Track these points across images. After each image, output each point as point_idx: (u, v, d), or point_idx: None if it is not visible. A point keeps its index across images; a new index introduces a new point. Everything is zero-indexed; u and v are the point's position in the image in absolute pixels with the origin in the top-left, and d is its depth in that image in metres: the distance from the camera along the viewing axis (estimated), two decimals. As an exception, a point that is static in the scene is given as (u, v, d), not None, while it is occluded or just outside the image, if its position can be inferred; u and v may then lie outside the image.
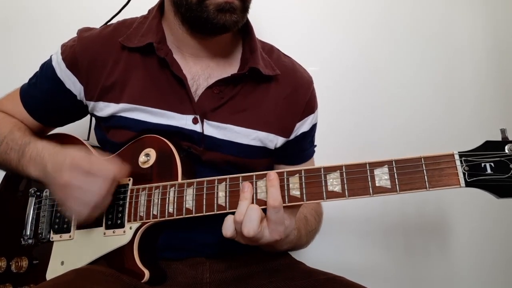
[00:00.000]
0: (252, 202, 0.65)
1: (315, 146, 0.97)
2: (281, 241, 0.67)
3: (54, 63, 0.84)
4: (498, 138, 0.60)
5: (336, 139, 1.23)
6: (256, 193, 0.67)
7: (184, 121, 0.79)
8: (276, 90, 0.85)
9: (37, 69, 0.89)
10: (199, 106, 0.79)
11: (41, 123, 0.90)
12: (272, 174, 0.65)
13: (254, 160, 0.84)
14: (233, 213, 0.68)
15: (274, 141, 0.84)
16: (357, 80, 1.28)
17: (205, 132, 0.79)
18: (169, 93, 0.80)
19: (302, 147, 0.93)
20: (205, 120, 0.79)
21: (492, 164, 0.58)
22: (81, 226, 0.77)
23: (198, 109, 0.79)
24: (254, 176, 0.68)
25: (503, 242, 1.26)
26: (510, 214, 1.23)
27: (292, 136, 0.88)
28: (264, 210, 0.65)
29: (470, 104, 1.29)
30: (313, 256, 1.05)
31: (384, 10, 1.31)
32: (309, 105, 0.89)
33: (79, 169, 0.68)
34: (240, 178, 0.69)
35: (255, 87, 0.84)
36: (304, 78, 0.90)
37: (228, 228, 0.65)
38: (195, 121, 0.79)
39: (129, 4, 0.99)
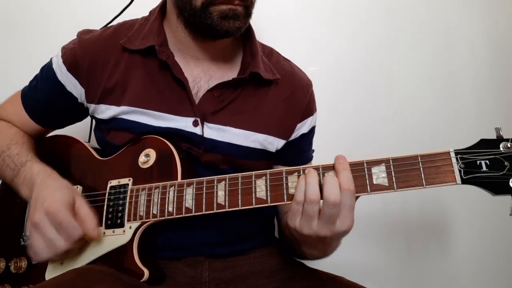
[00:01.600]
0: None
1: (313, 151, 0.98)
2: (343, 234, 0.64)
3: (54, 66, 0.85)
4: (493, 136, 0.61)
5: (334, 137, 1.24)
6: (255, 192, 0.68)
7: (184, 123, 0.79)
8: (276, 93, 0.86)
9: (38, 71, 0.89)
10: (199, 108, 0.80)
11: (41, 125, 0.90)
12: (341, 157, 0.63)
13: (253, 162, 0.84)
14: (233, 212, 0.69)
15: (275, 143, 0.85)
16: (356, 80, 1.29)
17: (205, 135, 0.79)
18: (170, 95, 0.80)
19: (301, 149, 0.93)
20: (205, 122, 0.80)
21: (487, 161, 0.60)
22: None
23: (199, 112, 0.79)
24: (254, 176, 0.69)
25: (503, 241, 1.27)
26: (507, 212, 1.23)
27: (292, 137, 0.88)
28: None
29: (466, 103, 1.30)
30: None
31: (383, 10, 1.32)
32: (308, 108, 0.90)
33: (51, 218, 0.68)
34: (239, 177, 0.69)
35: (255, 91, 0.84)
36: (303, 81, 0.91)
37: (295, 215, 0.62)
38: (195, 124, 0.79)
39: (130, 7, 1.00)
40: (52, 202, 0.69)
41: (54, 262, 0.76)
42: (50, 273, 0.75)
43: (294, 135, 0.89)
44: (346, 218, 0.61)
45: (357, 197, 0.63)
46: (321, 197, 0.61)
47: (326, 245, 0.68)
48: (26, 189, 0.75)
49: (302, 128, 0.89)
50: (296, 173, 0.67)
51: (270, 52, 0.92)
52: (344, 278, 0.76)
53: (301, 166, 0.67)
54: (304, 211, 0.62)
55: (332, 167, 0.64)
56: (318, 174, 0.64)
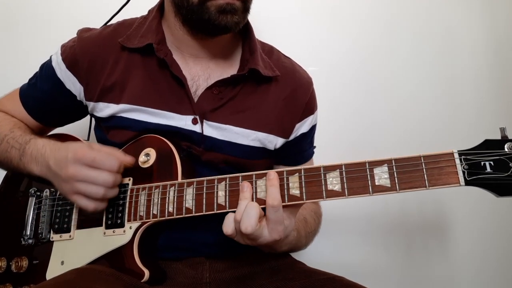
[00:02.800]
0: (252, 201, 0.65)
1: (315, 147, 0.97)
2: (281, 241, 0.67)
3: (54, 64, 0.84)
4: (498, 136, 0.60)
5: (336, 138, 1.23)
6: (255, 192, 0.67)
7: (183, 121, 0.79)
8: (276, 91, 0.85)
9: (37, 69, 0.89)
10: (198, 106, 0.79)
11: (41, 123, 0.90)
12: (272, 174, 0.65)
13: (254, 160, 0.84)
14: (233, 212, 0.68)
15: (274, 141, 0.84)
16: (356, 80, 1.28)
17: (205, 133, 0.79)
18: (169, 93, 0.80)
19: (302, 148, 0.93)
20: (204, 120, 0.79)
21: (491, 162, 0.58)
22: (81, 225, 0.77)
23: (198, 110, 0.79)
24: (254, 176, 0.68)
25: (504, 241, 1.26)
26: (511, 213, 1.23)
27: (291, 137, 0.88)
28: (264, 210, 0.65)
29: (470, 103, 1.29)
30: (313, 256, 1.05)
31: (384, 10, 1.31)
32: (308, 106, 0.89)
33: (83, 162, 0.68)
34: (240, 177, 0.69)
35: (254, 88, 0.84)
36: (303, 79, 0.90)
37: (228, 226, 0.65)
38: (194, 122, 0.79)
39: (129, 5, 1.00)
40: (75, 151, 0.69)
41: (56, 260, 0.76)
42: (51, 273, 0.76)
43: (294, 135, 0.88)
44: (272, 230, 0.64)
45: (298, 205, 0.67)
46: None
47: (267, 248, 0.73)
48: (36, 165, 0.75)
49: (302, 128, 0.89)
50: (297, 174, 0.66)
51: (270, 50, 0.92)
52: (345, 278, 0.75)
53: (302, 167, 0.66)
54: (236, 229, 0.65)
55: (264, 175, 0.66)
56: (281, 182, 0.65)
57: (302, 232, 0.80)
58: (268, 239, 0.64)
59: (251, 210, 0.63)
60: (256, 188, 0.67)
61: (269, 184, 0.64)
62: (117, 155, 0.71)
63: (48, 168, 0.73)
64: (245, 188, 0.65)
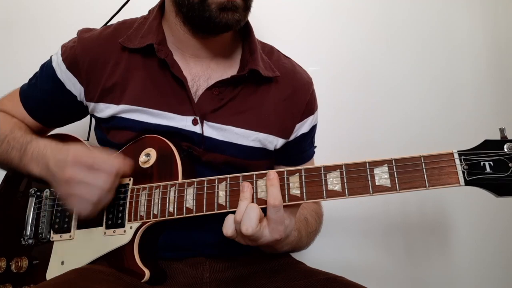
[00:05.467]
0: (252, 202, 0.66)
1: (315, 147, 0.97)
2: (281, 241, 0.67)
3: (54, 64, 0.84)
4: (497, 137, 0.60)
5: (336, 138, 1.24)
6: (256, 192, 0.67)
7: (184, 122, 0.79)
8: (276, 91, 0.85)
9: (37, 69, 0.89)
10: (199, 107, 0.79)
11: (41, 123, 0.90)
12: (272, 174, 0.65)
13: (254, 161, 0.84)
14: (234, 213, 0.68)
15: (274, 142, 0.84)
16: (357, 79, 1.28)
17: (205, 134, 0.79)
18: (169, 94, 0.80)
19: (302, 148, 0.93)
20: (204, 121, 0.79)
21: (491, 163, 0.59)
22: (82, 225, 0.77)
23: (198, 110, 0.79)
24: (255, 176, 0.68)
25: (503, 241, 1.26)
26: (510, 213, 1.23)
27: (292, 137, 0.88)
28: (264, 210, 0.65)
29: (470, 104, 1.29)
30: (313, 256, 1.05)
31: (383, 9, 1.31)
32: (309, 107, 0.89)
33: (82, 164, 0.68)
34: (241, 177, 0.69)
35: (255, 89, 0.84)
36: (304, 80, 0.90)
37: (228, 227, 0.65)
38: (194, 122, 0.79)
39: (129, 5, 0.99)
40: (75, 153, 0.69)
41: (57, 260, 0.76)
42: (51, 273, 0.75)
43: (294, 135, 0.88)
44: (273, 230, 0.64)
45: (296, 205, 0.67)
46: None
47: (268, 248, 0.73)
48: (37, 165, 0.75)
49: (302, 128, 0.89)
50: (297, 174, 0.66)
51: (270, 50, 0.91)
52: (345, 278, 0.76)
53: (302, 167, 0.66)
54: (236, 229, 0.65)
55: (263, 175, 0.67)
56: (282, 182, 0.66)
57: (303, 232, 0.80)
58: (269, 239, 0.64)
59: (251, 211, 0.63)
60: (256, 188, 0.67)
61: (269, 184, 0.65)
62: (116, 158, 0.71)
63: (48, 168, 0.73)
64: (245, 188, 0.66)
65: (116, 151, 0.81)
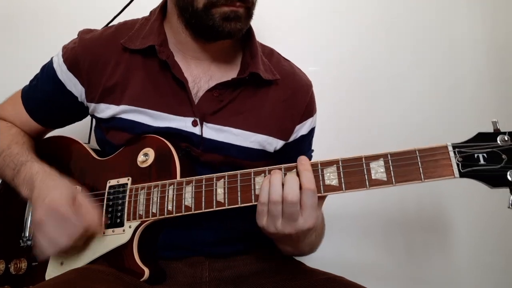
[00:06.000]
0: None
1: (313, 150, 0.98)
2: (311, 232, 0.66)
3: (55, 65, 0.85)
4: (490, 130, 0.61)
5: (336, 138, 1.24)
6: (254, 189, 0.68)
7: (183, 123, 0.79)
8: (276, 93, 0.86)
9: (38, 71, 0.90)
10: (199, 108, 0.80)
11: (41, 124, 0.90)
12: (303, 158, 0.65)
13: (253, 162, 0.84)
14: (233, 212, 0.69)
15: (274, 144, 0.85)
16: (356, 80, 1.29)
17: (204, 135, 0.80)
18: (170, 95, 0.80)
19: (300, 150, 0.93)
20: (204, 122, 0.80)
21: (485, 155, 0.60)
22: None
23: (198, 112, 0.79)
24: (252, 173, 0.69)
25: (503, 238, 1.26)
26: (510, 210, 1.23)
27: (291, 139, 0.88)
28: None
29: (467, 103, 1.30)
30: (313, 256, 1.05)
31: (383, 10, 1.32)
32: (308, 108, 0.90)
33: (54, 214, 0.69)
34: (238, 175, 0.70)
35: (254, 91, 0.84)
36: (303, 82, 0.91)
37: (261, 215, 0.65)
38: (194, 124, 0.79)
39: (131, 6, 1.00)
40: (53, 199, 0.70)
41: (56, 260, 0.76)
42: (50, 274, 0.75)
43: (294, 137, 0.88)
44: (308, 216, 0.63)
45: (322, 197, 0.66)
46: None
47: (294, 241, 0.70)
48: (26, 189, 0.76)
49: (301, 130, 0.89)
50: (294, 170, 0.67)
51: (270, 53, 0.92)
52: (344, 278, 0.76)
53: (299, 163, 0.67)
54: (269, 211, 0.64)
55: (294, 167, 0.66)
56: (282, 174, 0.65)
57: (318, 231, 0.79)
58: (301, 227, 0.63)
59: (291, 179, 0.63)
60: (254, 185, 0.68)
61: (302, 168, 0.64)
62: (89, 216, 0.71)
63: (31, 197, 0.74)
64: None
65: (110, 155, 0.82)
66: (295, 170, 0.66)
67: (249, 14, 0.78)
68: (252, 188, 0.68)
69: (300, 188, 0.63)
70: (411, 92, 1.30)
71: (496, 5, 1.35)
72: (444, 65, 1.32)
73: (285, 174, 0.66)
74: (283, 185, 0.64)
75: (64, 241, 0.69)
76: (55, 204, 0.69)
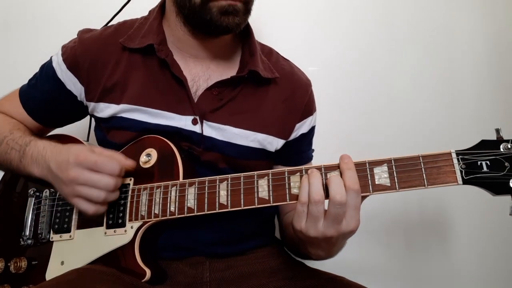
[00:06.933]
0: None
1: (313, 150, 0.98)
2: (344, 240, 0.66)
3: (54, 64, 0.84)
4: (493, 137, 0.62)
5: (336, 138, 1.24)
6: (257, 191, 0.68)
7: (183, 121, 0.79)
8: (275, 92, 0.86)
9: (37, 70, 0.89)
10: (198, 107, 0.80)
11: (41, 123, 0.90)
12: (346, 156, 0.64)
13: (253, 161, 0.84)
14: (234, 212, 0.69)
15: (274, 143, 0.85)
16: (356, 80, 1.29)
17: (204, 133, 0.80)
18: (169, 93, 0.80)
19: (301, 149, 0.93)
20: (204, 121, 0.80)
21: (488, 162, 0.60)
22: (82, 225, 0.77)
23: (198, 110, 0.79)
24: (256, 176, 0.69)
25: (503, 240, 1.27)
26: (507, 211, 1.25)
27: (291, 137, 0.88)
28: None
29: (468, 105, 1.31)
30: (313, 256, 1.06)
31: (384, 11, 1.32)
32: (307, 107, 0.90)
33: (84, 165, 0.68)
34: (242, 177, 0.70)
35: (254, 90, 0.85)
36: (302, 81, 0.91)
37: (300, 216, 0.63)
38: (194, 122, 0.79)
39: (129, 6, 1.00)
40: (76, 155, 0.69)
41: (56, 260, 0.75)
42: (51, 273, 0.75)
43: (294, 135, 0.89)
44: (351, 218, 0.61)
45: (364, 197, 0.63)
46: (326, 197, 0.62)
47: (331, 245, 0.68)
48: (37, 167, 0.75)
49: (301, 128, 0.90)
50: (298, 173, 0.67)
51: (269, 52, 0.92)
52: (345, 278, 0.76)
53: (303, 166, 0.67)
54: (309, 212, 0.62)
55: (335, 167, 0.65)
56: (321, 174, 0.64)
57: None
58: (344, 230, 0.61)
59: (337, 179, 0.61)
60: (257, 187, 0.68)
61: (346, 167, 0.62)
62: (118, 158, 0.71)
63: (49, 170, 0.73)
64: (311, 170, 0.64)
65: (117, 151, 0.81)
66: (338, 170, 0.64)
67: (247, 9, 0.78)
68: (255, 190, 0.68)
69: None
70: (412, 92, 1.30)
71: (499, 11, 1.35)
72: (448, 72, 1.32)
73: (288, 178, 0.66)
74: (323, 186, 0.62)
75: (107, 183, 0.68)
76: (82, 156, 0.69)
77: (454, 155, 0.62)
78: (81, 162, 0.68)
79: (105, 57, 0.82)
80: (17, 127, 0.85)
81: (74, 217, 0.77)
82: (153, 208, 0.73)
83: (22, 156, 0.78)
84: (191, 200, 0.71)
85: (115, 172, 0.69)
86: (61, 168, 0.70)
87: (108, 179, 0.69)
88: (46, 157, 0.74)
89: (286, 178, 0.67)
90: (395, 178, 0.63)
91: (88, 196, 0.69)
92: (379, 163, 0.64)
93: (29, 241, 0.79)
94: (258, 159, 0.85)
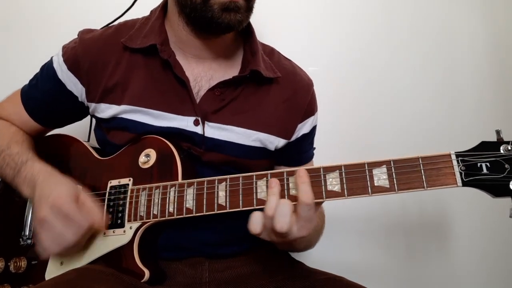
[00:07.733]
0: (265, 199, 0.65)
1: (314, 148, 0.98)
2: (304, 238, 0.66)
3: (55, 65, 0.84)
4: (494, 138, 0.61)
5: (336, 139, 1.24)
6: (256, 193, 0.68)
7: (185, 122, 0.79)
8: (277, 92, 0.86)
9: (38, 70, 0.89)
10: (200, 107, 0.79)
11: (41, 124, 0.90)
12: (302, 171, 0.64)
13: (254, 160, 0.84)
14: (233, 213, 0.69)
15: (275, 142, 0.85)
16: (357, 81, 1.29)
17: (206, 134, 0.79)
18: (171, 94, 0.80)
19: (302, 149, 0.93)
20: (206, 122, 0.80)
21: (488, 164, 0.60)
22: None
23: (200, 111, 0.79)
24: (254, 176, 0.69)
25: (503, 241, 1.27)
26: (508, 213, 1.24)
27: (293, 138, 0.88)
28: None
29: (468, 107, 1.30)
30: (313, 256, 1.06)
31: (384, 11, 1.32)
32: (309, 107, 0.90)
33: (56, 211, 0.68)
34: (240, 178, 0.69)
35: (256, 89, 0.84)
36: (304, 81, 0.91)
37: (257, 225, 0.63)
38: (196, 123, 0.79)
39: (130, 7, 1.00)
40: (57, 196, 0.69)
41: (56, 260, 0.76)
42: (50, 273, 0.75)
43: (295, 136, 0.89)
44: (302, 227, 0.63)
45: (319, 203, 0.66)
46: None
47: (290, 246, 0.72)
48: (28, 188, 0.75)
49: (303, 128, 0.89)
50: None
51: (271, 52, 0.92)
52: (345, 278, 0.76)
53: (302, 168, 0.67)
54: (264, 225, 0.64)
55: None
56: (282, 182, 0.66)
57: (317, 228, 0.79)
58: (295, 236, 0.63)
59: (285, 207, 0.62)
60: (256, 188, 0.68)
61: (300, 181, 0.63)
62: (92, 217, 0.70)
63: (33, 196, 0.73)
64: (273, 184, 0.65)
65: (111, 155, 0.82)
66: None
67: (248, 6, 0.78)
68: (254, 191, 0.68)
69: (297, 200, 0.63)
70: (412, 93, 1.30)
71: (499, 11, 1.35)
72: (449, 72, 1.31)
73: (287, 179, 0.67)
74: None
75: (68, 238, 0.68)
76: (59, 202, 0.68)
77: (453, 157, 0.61)
78: (55, 206, 0.68)
79: (106, 58, 0.81)
80: (15, 139, 0.84)
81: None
82: (152, 209, 0.73)
83: (16, 174, 0.78)
84: (189, 201, 0.71)
85: (85, 226, 0.69)
86: (40, 201, 0.70)
87: (73, 231, 0.68)
88: (37, 183, 0.74)
89: (285, 179, 0.67)
90: (394, 179, 0.62)
91: (51, 238, 0.69)
92: (378, 164, 0.64)
93: (29, 241, 0.80)
94: (259, 158, 0.85)
